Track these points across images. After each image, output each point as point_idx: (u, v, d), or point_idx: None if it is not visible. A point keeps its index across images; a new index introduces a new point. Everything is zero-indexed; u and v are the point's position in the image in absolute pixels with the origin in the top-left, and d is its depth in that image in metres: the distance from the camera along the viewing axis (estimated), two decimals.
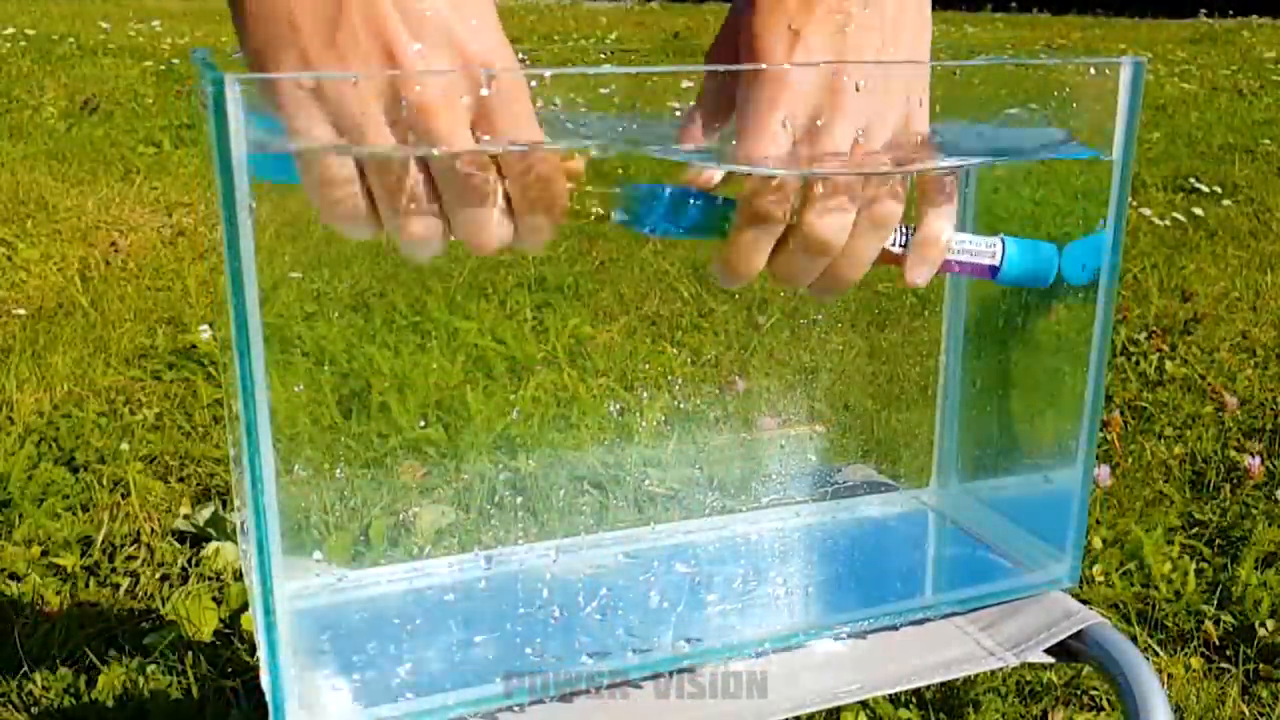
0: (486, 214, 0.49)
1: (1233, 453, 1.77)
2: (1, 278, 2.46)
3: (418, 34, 0.46)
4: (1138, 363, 2.11)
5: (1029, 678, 1.26)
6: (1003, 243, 0.59)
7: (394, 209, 0.48)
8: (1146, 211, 3.13)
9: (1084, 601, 0.69)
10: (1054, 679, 1.26)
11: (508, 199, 0.49)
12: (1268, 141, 4.14)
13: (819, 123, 0.52)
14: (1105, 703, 1.24)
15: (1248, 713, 1.24)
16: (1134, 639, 1.27)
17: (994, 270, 0.59)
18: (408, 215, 0.48)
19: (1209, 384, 2.01)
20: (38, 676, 1.20)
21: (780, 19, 0.52)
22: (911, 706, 1.20)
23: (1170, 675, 1.28)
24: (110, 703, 1.17)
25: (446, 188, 0.48)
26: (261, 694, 0.54)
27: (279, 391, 0.59)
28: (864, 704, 1.18)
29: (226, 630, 1.29)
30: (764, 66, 0.52)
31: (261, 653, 0.51)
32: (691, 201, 0.53)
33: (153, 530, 1.49)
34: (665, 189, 0.53)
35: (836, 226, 0.53)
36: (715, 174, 0.55)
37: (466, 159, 0.47)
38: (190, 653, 1.23)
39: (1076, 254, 0.62)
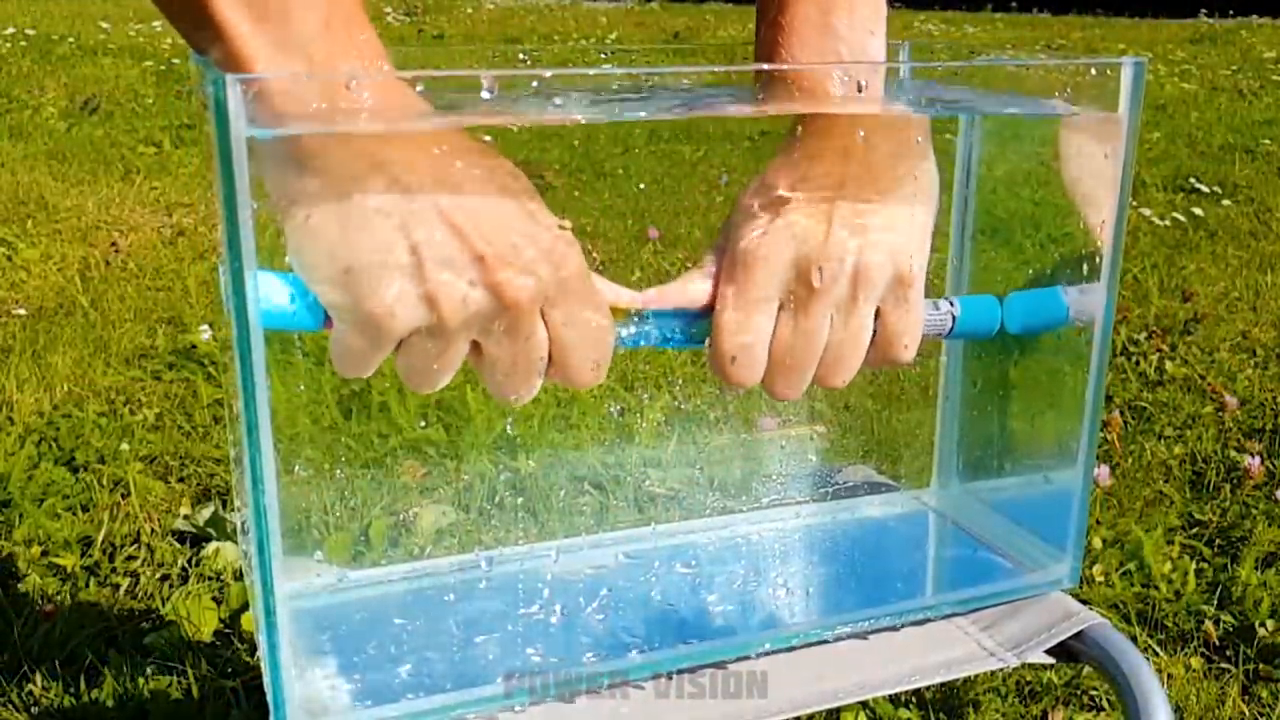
0: (533, 380, 0.52)
1: (1233, 453, 1.77)
2: (1, 278, 2.46)
3: (490, 238, 0.47)
4: (1138, 363, 2.11)
5: (1029, 678, 1.26)
6: (953, 319, 0.61)
7: (435, 372, 0.51)
8: (1146, 211, 3.13)
9: (1084, 601, 0.69)
10: (1054, 679, 1.26)
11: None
12: (1268, 141, 4.14)
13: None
14: (1105, 703, 1.24)
15: (1248, 713, 1.24)
16: (1134, 639, 1.27)
17: (948, 333, 0.62)
18: (442, 373, 0.51)
19: (1209, 384, 2.01)
20: (38, 676, 1.20)
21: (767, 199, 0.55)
22: (911, 706, 1.20)
23: (1170, 675, 1.28)
24: (110, 703, 1.17)
25: (500, 357, 0.51)
26: (262, 694, 0.54)
27: (279, 391, 0.59)
28: (864, 704, 1.18)
29: (226, 630, 1.29)
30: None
31: (261, 653, 0.51)
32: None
33: (153, 530, 1.49)
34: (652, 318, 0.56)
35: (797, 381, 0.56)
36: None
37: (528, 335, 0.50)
38: (190, 653, 1.23)
39: (1015, 306, 0.64)
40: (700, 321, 0.56)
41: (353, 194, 0.46)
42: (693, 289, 0.56)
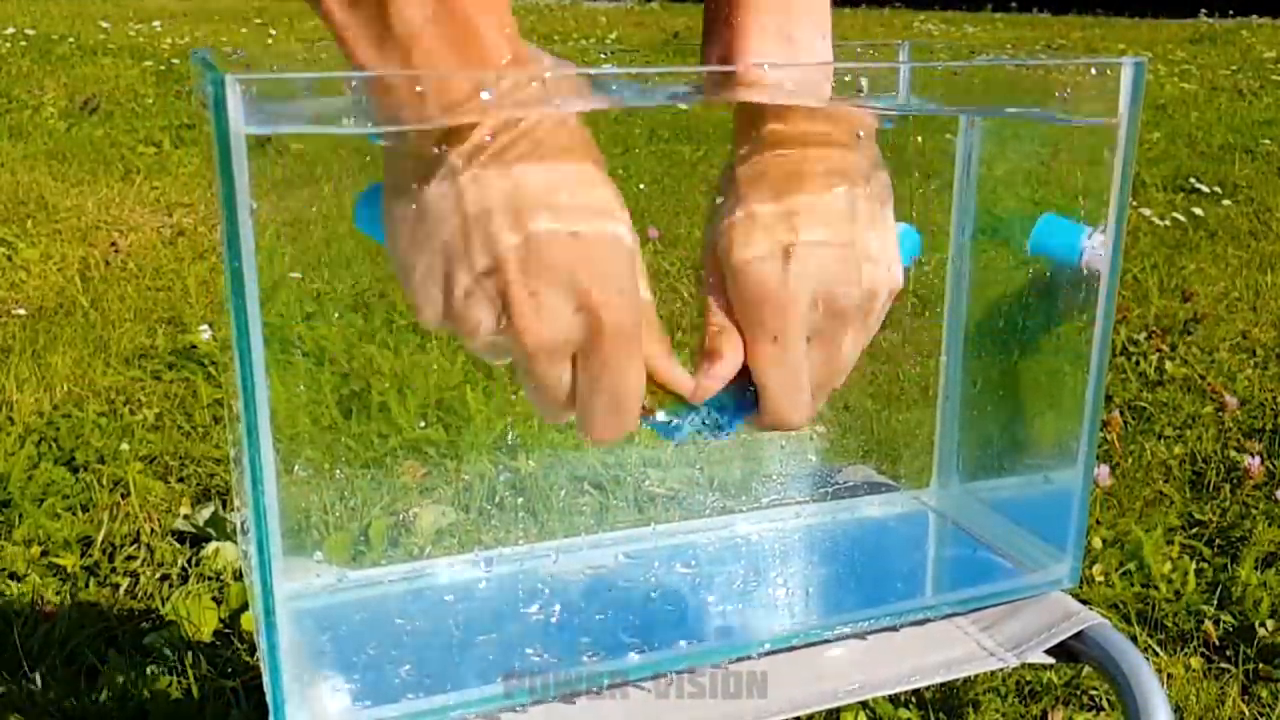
0: (559, 417, 0.51)
1: (1233, 453, 1.77)
2: (1, 278, 2.46)
3: (537, 276, 0.46)
4: (1138, 363, 2.11)
5: (1029, 678, 1.26)
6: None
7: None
8: (1146, 211, 3.13)
9: (1084, 601, 0.69)
10: (1054, 679, 1.26)
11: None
12: (1268, 141, 4.14)
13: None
14: (1105, 703, 1.24)
15: (1248, 713, 1.24)
16: (1134, 639, 1.27)
17: None
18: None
19: (1209, 384, 2.01)
20: (38, 676, 1.20)
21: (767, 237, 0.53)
22: (911, 706, 1.20)
23: (1170, 675, 1.28)
24: (110, 703, 1.17)
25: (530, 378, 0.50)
26: (261, 694, 0.54)
27: (279, 391, 0.59)
28: (864, 704, 1.18)
29: (226, 630, 1.29)
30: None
31: (261, 653, 0.51)
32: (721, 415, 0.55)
33: (153, 530, 1.49)
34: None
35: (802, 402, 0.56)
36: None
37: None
38: (190, 653, 1.23)
39: (1042, 228, 0.64)
40: (735, 389, 0.55)
41: (410, 191, 0.46)
42: (729, 363, 0.54)
